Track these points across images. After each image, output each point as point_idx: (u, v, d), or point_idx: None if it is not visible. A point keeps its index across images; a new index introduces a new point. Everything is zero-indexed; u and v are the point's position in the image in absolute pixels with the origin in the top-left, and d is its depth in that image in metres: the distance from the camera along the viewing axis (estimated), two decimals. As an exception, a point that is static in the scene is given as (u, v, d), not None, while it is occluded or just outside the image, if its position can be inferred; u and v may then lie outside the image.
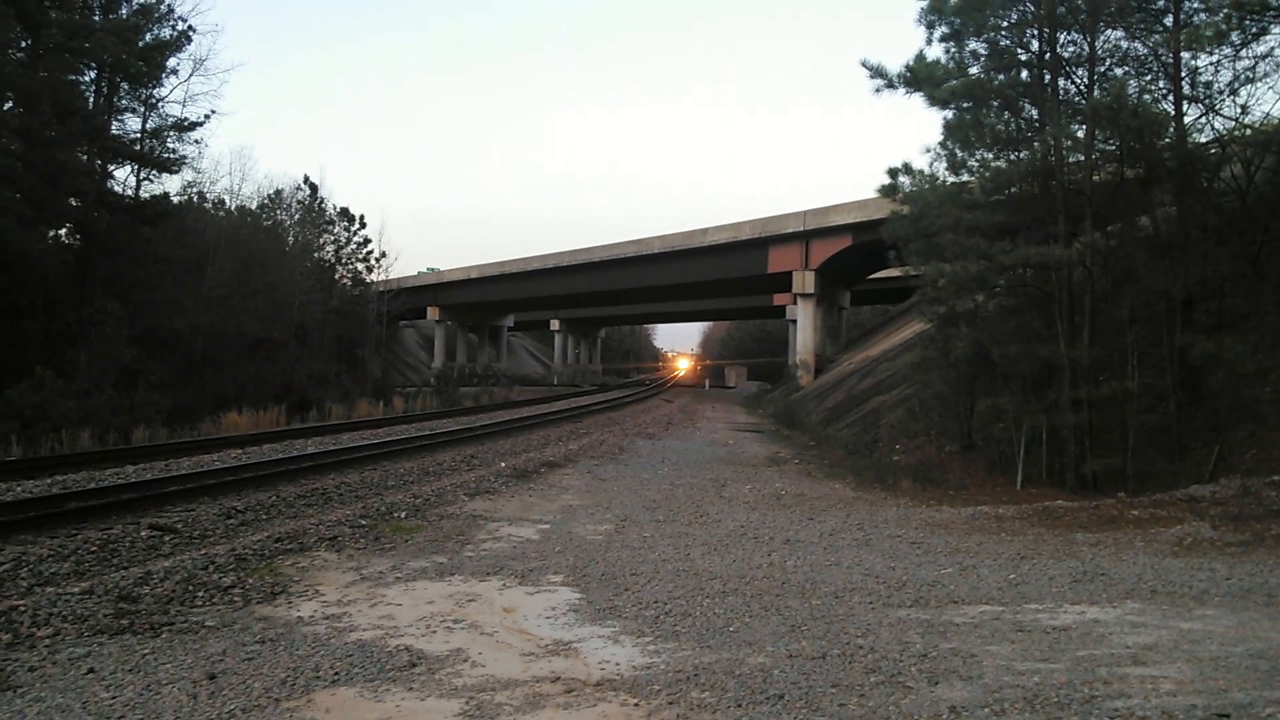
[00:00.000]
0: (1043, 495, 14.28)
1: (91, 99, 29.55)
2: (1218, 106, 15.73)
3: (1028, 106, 16.88)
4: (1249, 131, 15.41)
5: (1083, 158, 15.73)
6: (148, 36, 31.05)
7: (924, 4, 16.80)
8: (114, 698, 5.26)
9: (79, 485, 12.81)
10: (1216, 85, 15.52)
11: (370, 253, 54.22)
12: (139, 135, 31.45)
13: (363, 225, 54.08)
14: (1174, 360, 14.64)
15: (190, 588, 7.70)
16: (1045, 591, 8.25)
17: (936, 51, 17.17)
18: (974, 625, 6.97)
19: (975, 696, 5.21)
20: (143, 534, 9.66)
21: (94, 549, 8.91)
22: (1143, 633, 6.64)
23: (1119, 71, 16.00)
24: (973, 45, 16.90)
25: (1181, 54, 15.02)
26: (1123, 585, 8.40)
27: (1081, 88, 16.10)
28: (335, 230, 52.69)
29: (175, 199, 33.69)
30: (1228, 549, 9.91)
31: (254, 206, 45.46)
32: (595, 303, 76.57)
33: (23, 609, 6.78)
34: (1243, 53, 14.83)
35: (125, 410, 23.89)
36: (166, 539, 9.60)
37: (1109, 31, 15.89)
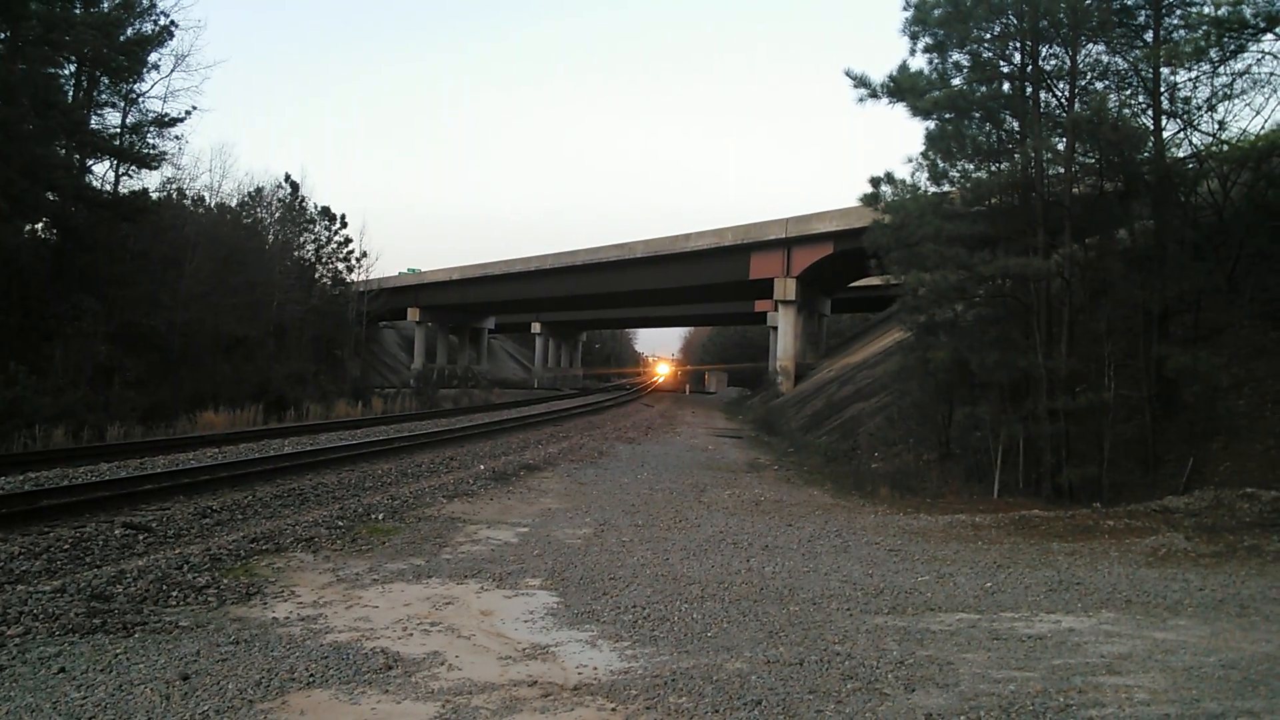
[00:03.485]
0: (1019, 504, 14.37)
1: (71, 93, 29.17)
2: (1196, 122, 15.93)
3: (1009, 118, 17.00)
4: (1226, 147, 15.59)
5: (1063, 170, 15.86)
6: (129, 31, 30.74)
7: (908, 15, 16.92)
8: (85, 698, 5.19)
9: (52, 482, 12.67)
10: (1195, 101, 15.71)
11: (351, 252, 54.00)
12: (119, 130, 31.12)
13: (344, 225, 53.82)
14: (1150, 372, 14.78)
15: (164, 587, 7.62)
16: (1021, 600, 8.30)
17: (920, 62, 17.29)
18: (950, 633, 7.01)
19: (951, 704, 5.23)
20: (116, 532, 9.57)
21: (66, 547, 8.82)
22: (1117, 642, 6.69)
23: (1099, 86, 16.17)
24: (956, 57, 17.02)
25: (1161, 70, 15.18)
26: (1098, 595, 8.47)
27: (1062, 101, 16.25)
28: (316, 229, 52.35)
29: (154, 195, 33.27)
30: (1201, 560, 10.01)
31: (234, 204, 45.03)
32: (577, 306, 76.54)
33: (-8, 607, 6.69)
34: (1221, 70, 15.01)
35: (100, 407, 23.61)
36: (141, 538, 9.51)
37: (1090, 46, 16.05)
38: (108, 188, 30.61)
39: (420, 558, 9.50)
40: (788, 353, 45.43)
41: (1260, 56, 14.82)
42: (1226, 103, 15.57)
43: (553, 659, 6.24)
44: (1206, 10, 14.47)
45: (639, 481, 16.93)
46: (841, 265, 43.38)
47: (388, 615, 7.22)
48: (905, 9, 16.94)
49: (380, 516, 11.52)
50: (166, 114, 31.95)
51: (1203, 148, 16.02)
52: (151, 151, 31.55)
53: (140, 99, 31.77)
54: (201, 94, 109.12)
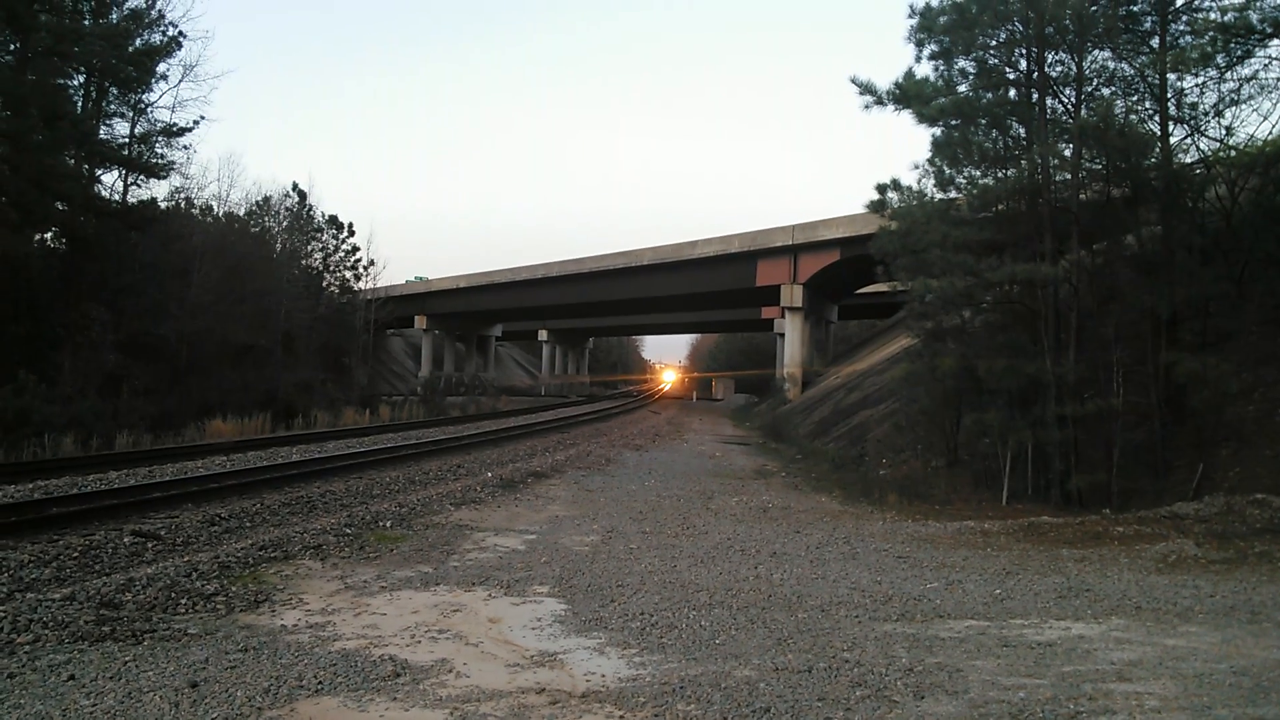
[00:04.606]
0: (1028, 511, 14.33)
1: (80, 103, 29.35)
2: (1203, 128, 15.89)
3: (1015, 125, 17.01)
4: (1234, 153, 15.58)
5: (1069, 176, 15.86)
6: (138, 41, 30.92)
7: (914, 22, 16.95)
8: (95, 705, 5.20)
9: (61, 491, 12.71)
10: (1202, 107, 15.69)
11: (358, 260, 54.23)
12: (127, 140, 31.26)
13: (351, 233, 54.05)
14: (1159, 378, 14.74)
15: (173, 595, 7.64)
16: (1031, 607, 8.27)
17: (926, 69, 17.33)
18: (960, 640, 6.98)
19: (961, 711, 5.21)
20: (125, 540, 9.58)
21: (76, 555, 8.83)
22: (1128, 649, 6.66)
23: (1106, 91, 16.15)
24: (961, 63, 17.06)
25: (1168, 75, 15.17)
26: (1108, 601, 8.44)
27: (1069, 107, 16.24)
28: (323, 237, 52.59)
29: (163, 204, 33.52)
30: (1211, 566, 9.96)
31: (242, 213, 45.21)
32: (584, 313, 76.67)
33: (3, 615, 6.71)
34: (1228, 75, 14.99)
35: (109, 416, 23.69)
36: (149, 546, 9.52)
37: (1096, 52, 16.05)
38: (116, 197, 30.77)
39: (428, 565, 9.51)
40: (795, 359, 45.35)
41: (1267, 62, 14.83)
42: (1234, 108, 15.56)
43: (561, 666, 6.23)
44: (1213, 16, 14.48)
45: (646, 489, 16.92)
46: (848, 272, 43.34)
47: (396, 623, 7.22)
48: (911, 16, 17.01)
49: (388, 524, 11.54)
50: (174, 124, 32.13)
51: (1210, 153, 16.00)
52: (160, 161, 31.69)
53: (149, 109, 31.96)
54: (209, 104, 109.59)
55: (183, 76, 33.16)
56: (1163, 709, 5.21)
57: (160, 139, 31.94)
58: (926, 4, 16.83)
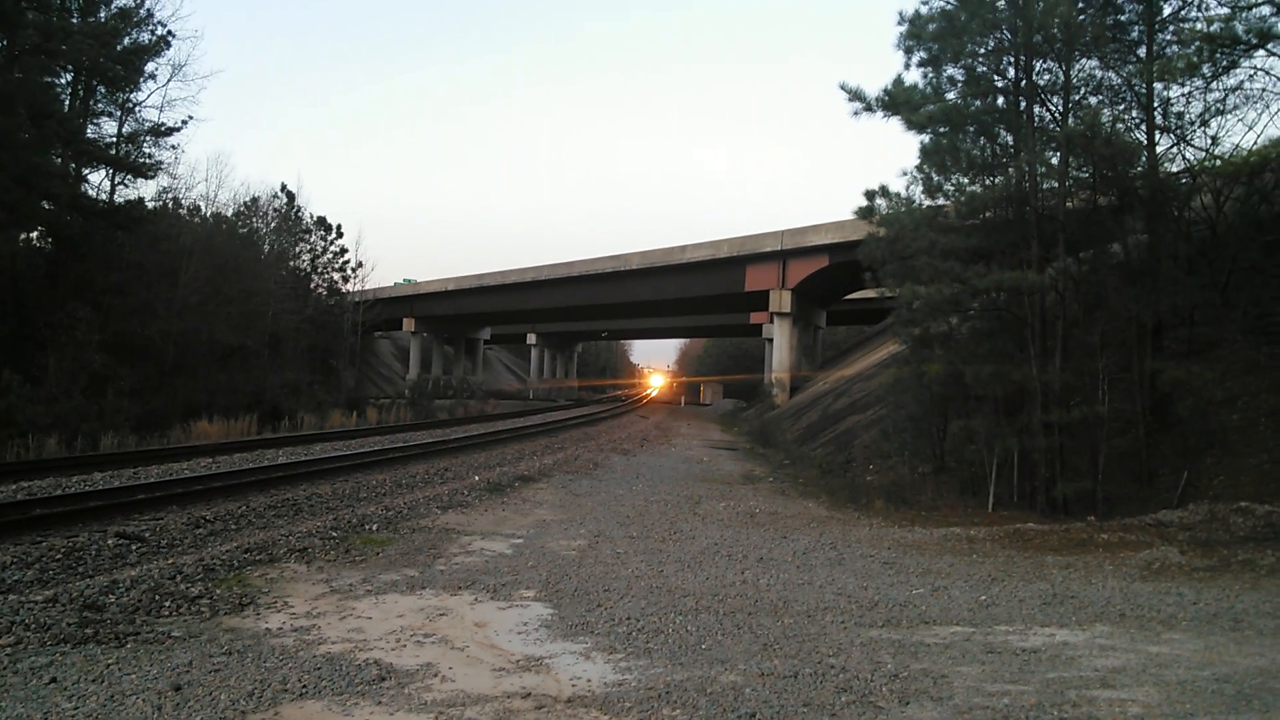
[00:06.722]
0: (1013, 517, 14.38)
1: (67, 102, 29.24)
2: (1189, 137, 15.99)
3: (1003, 133, 17.08)
4: (1219, 162, 15.65)
5: (1056, 184, 15.94)
6: (126, 40, 30.84)
7: (903, 29, 17.02)
8: (77, 708, 5.16)
9: (45, 492, 12.63)
10: (1188, 116, 15.78)
11: (346, 262, 54.19)
12: (115, 139, 31.16)
13: (339, 234, 54.01)
14: (1144, 386, 14.82)
15: (157, 597, 7.59)
16: (1015, 613, 8.30)
17: (915, 76, 17.41)
18: (945, 646, 7.00)
19: (945, 717, 5.23)
20: (109, 542, 9.52)
21: (59, 557, 8.77)
22: (1111, 656, 6.70)
23: (1093, 100, 16.24)
24: (950, 71, 17.11)
25: (1154, 85, 15.27)
26: (1092, 608, 8.47)
27: (1056, 115, 16.33)
28: (312, 239, 52.50)
29: (150, 204, 33.34)
30: (1195, 574, 10.02)
31: (230, 213, 45.06)
32: (572, 317, 76.63)
33: (-16, 617, 6.65)
34: (1213, 85, 15.08)
35: (94, 416, 23.56)
36: (134, 548, 9.47)
37: (1084, 61, 16.16)
38: (103, 197, 30.64)
39: (414, 569, 9.48)
40: (783, 365, 45.46)
41: (1252, 72, 14.90)
42: (1219, 118, 15.64)
43: (546, 671, 6.22)
44: (1199, 26, 14.56)
45: (634, 493, 16.91)
46: (837, 278, 43.48)
47: (381, 626, 7.19)
48: (900, 24, 17.07)
49: (374, 527, 11.50)
50: (163, 123, 32.06)
51: (1196, 162, 16.08)
52: (147, 161, 31.61)
53: (137, 108, 31.89)
54: (198, 103, 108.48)
55: (171, 76, 32.94)
56: (1146, 716, 5.24)
57: (148, 138, 31.88)
58: (916, 11, 16.93)
